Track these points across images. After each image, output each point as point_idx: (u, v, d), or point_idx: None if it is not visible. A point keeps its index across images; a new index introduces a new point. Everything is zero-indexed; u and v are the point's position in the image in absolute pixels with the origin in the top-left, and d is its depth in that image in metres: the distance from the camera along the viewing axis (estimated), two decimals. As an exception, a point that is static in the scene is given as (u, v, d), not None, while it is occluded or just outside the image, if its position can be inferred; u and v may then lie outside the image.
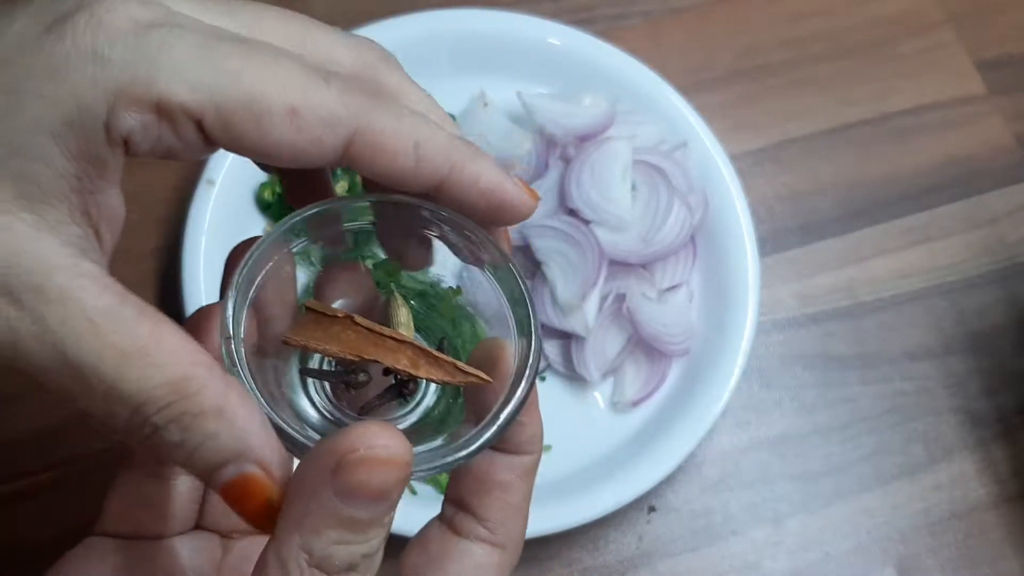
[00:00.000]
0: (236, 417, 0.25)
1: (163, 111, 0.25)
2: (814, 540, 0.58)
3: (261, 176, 0.59)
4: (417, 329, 0.33)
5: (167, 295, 0.59)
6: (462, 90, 0.63)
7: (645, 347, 0.58)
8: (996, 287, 0.63)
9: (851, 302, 0.63)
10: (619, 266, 0.58)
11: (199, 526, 0.35)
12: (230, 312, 0.27)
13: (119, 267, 0.27)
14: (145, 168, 0.61)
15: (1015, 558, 0.57)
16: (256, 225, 0.60)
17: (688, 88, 0.63)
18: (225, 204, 0.58)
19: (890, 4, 0.71)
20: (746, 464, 0.59)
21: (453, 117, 0.61)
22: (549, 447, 0.57)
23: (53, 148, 0.24)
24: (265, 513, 0.26)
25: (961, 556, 0.57)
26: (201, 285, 0.55)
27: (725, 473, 0.56)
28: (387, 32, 0.61)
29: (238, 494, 0.25)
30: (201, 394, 0.24)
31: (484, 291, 0.31)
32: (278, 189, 0.59)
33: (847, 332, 0.62)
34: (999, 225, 0.65)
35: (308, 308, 0.30)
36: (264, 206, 0.60)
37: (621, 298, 0.58)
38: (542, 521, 0.52)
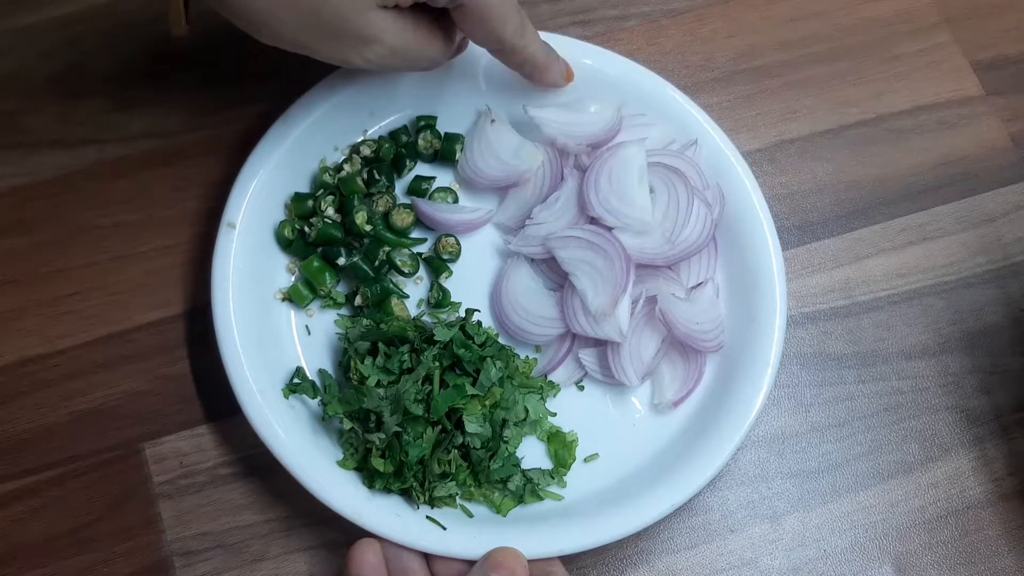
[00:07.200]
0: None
1: None
2: (811, 537, 0.58)
3: (279, 215, 0.60)
4: None
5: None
6: (467, 108, 0.63)
7: (679, 347, 0.58)
8: (992, 287, 0.64)
9: (848, 301, 0.63)
10: (645, 269, 0.59)
11: None
12: None
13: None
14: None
15: (1011, 555, 0.58)
16: (279, 263, 0.60)
17: (686, 89, 0.63)
18: (246, 245, 0.58)
19: (886, 6, 0.71)
20: (744, 462, 0.59)
21: (461, 137, 0.63)
22: (596, 455, 0.57)
23: None
24: None
25: (957, 553, 0.58)
26: (234, 331, 0.56)
27: (723, 471, 0.56)
28: None
29: None
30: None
31: None
32: (297, 226, 0.60)
33: (844, 331, 0.62)
34: (995, 225, 0.65)
35: None
36: (285, 244, 0.60)
37: (651, 300, 0.58)
38: (600, 533, 0.53)
